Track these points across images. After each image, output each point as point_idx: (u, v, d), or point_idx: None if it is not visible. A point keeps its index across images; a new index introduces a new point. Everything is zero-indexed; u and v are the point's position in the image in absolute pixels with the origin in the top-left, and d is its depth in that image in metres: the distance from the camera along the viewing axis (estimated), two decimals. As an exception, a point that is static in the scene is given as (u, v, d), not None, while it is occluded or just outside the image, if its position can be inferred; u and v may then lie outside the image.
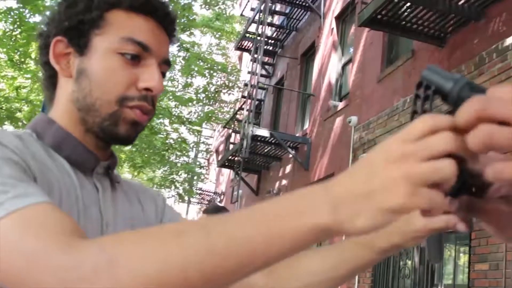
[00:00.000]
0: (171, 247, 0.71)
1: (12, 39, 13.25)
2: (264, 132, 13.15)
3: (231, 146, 16.54)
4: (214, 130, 28.58)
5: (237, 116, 17.73)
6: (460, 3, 6.96)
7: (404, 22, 7.57)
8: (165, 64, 1.14)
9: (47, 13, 1.16)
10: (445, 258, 7.07)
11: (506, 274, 5.35)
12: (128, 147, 19.29)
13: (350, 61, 11.66)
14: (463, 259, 6.73)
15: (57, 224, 0.80)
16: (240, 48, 18.20)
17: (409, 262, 7.53)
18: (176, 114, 17.89)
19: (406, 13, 7.35)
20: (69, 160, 1.06)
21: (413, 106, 0.67)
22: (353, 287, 8.79)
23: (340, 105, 11.44)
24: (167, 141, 18.37)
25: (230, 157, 15.51)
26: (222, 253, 0.69)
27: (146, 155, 18.08)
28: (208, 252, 0.69)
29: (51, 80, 1.13)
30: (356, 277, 8.72)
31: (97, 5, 1.08)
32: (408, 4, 7.10)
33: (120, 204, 1.15)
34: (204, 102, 18.84)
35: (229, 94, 20.47)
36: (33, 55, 13.53)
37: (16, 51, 13.73)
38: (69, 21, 1.08)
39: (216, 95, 18.91)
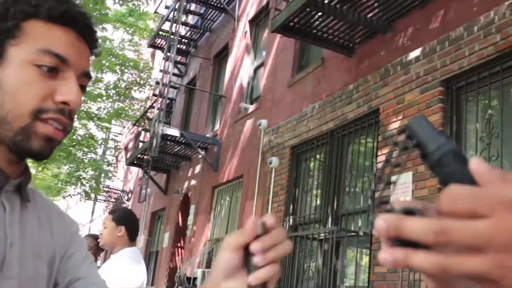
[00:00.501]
0: None
1: None
2: (174, 132, 13.10)
3: (140, 144, 16.35)
4: (124, 127, 28.13)
5: (148, 114, 17.56)
6: (368, 15, 7.22)
7: (315, 31, 7.77)
8: (85, 77, 1.10)
9: None
10: (347, 260, 7.32)
11: (403, 276, 5.61)
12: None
13: (262, 64, 11.82)
14: (364, 261, 6.98)
15: None
16: (153, 45, 18.02)
17: (313, 264, 7.72)
18: (85, 109, 17.50)
19: (317, 22, 7.55)
20: None
21: (388, 154, 0.61)
22: (258, 288, 8.90)
23: (251, 108, 11.57)
24: (74, 137, 17.94)
25: (139, 155, 15.35)
26: None
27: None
28: None
29: None
30: (262, 278, 8.86)
31: (13, 14, 1.04)
32: (320, 13, 7.29)
33: (29, 225, 1.11)
34: (114, 98, 18.52)
35: (140, 91, 20.23)
36: None
37: None
38: None
39: (127, 92, 18.64)
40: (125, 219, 4.19)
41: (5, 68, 1.03)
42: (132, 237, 4.28)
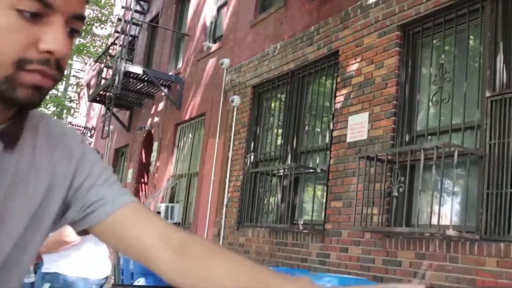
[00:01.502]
0: None
1: None
2: (137, 69, 13.15)
3: (103, 81, 16.32)
4: (86, 63, 27.80)
5: (110, 51, 17.43)
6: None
7: (278, -28, 7.86)
8: (77, 19, 0.98)
9: None
10: (305, 195, 7.67)
11: (356, 211, 5.97)
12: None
13: (225, 4, 11.84)
14: (321, 196, 7.34)
15: None
16: (114, -20, 17.72)
17: (273, 199, 8.07)
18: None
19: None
20: None
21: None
22: (221, 221, 9.26)
23: (214, 47, 11.67)
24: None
25: (101, 92, 15.35)
26: None
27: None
28: None
29: None
30: (223, 212, 9.21)
31: None
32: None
33: (12, 171, 1.05)
34: (75, 34, 18.32)
35: (102, 28, 19.97)
36: None
37: None
38: None
39: (88, 28, 18.40)
40: None
41: None
42: None
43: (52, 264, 4.20)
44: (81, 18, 0.99)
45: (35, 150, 1.11)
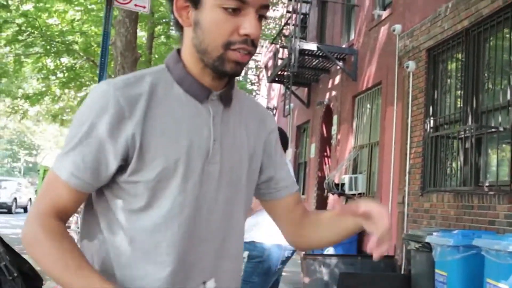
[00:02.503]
0: (49, 259, 1.35)
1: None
2: (311, 46, 13.39)
3: (279, 62, 16.81)
4: (262, 46, 28.75)
5: (284, 31, 17.88)
6: None
7: None
8: (264, 8, 1.40)
9: None
10: (489, 156, 7.42)
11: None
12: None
13: (392, -31, 11.64)
14: (506, 156, 7.04)
15: (46, 199, 1.40)
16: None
17: (455, 163, 7.90)
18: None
19: None
20: (188, 92, 1.45)
21: None
22: (404, 188, 9.25)
23: (384, 14, 11.55)
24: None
25: (279, 72, 15.83)
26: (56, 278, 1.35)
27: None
28: (54, 275, 1.35)
29: (178, 25, 1.47)
30: (407, 179, 9.18)
31: None
32: None
33: (231, 124, 1.52)
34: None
35: (274, 10, 20.54)
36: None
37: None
38: None
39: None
40: None
41: (202, 12, 1.38)
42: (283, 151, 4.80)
43: (247, 234, 4.57)
44: (266, 6, 1.41)
45: (242, 111, 1.60)
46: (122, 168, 1.40)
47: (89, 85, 18.33)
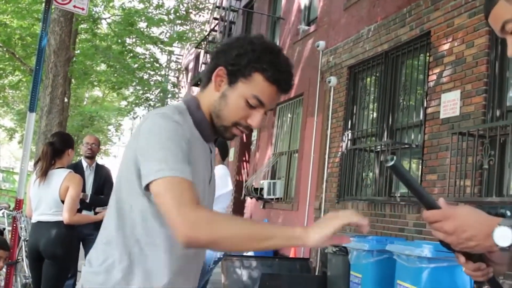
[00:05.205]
0: (235, 229, 1.58)
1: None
2: (236, 54, 13.76)
3: (203, 66, 17.10)
4: (184, 48, 28.84)
5: (208, 37, 18.21)
6: None
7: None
8: (272, 106, 1.87)
9: (223, 43, 1.93)
10: (401, 170, 8.06)
11: (450, 183, 6.38)
12: (103, 67, 19.70)
13: (318, -13, 12.22)
14: (416, 170, 7.74)
15: (185, 194, 1.59)
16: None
17: (370, 174, 8.55)
18: (148, 34, 18.36)
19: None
20: (201, 134, 1.87)
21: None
22: (321, 195, 9.84)
23: (309, 29, 12.12)
24: (138, 58, 18.86)
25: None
26: (250, 238, 1.57)
27: (120, 76, 18.59)
28: (247, 236, 1.58)
29: (208, 81, 1.86)
30: (324, 186, 9.78)
31: (254, 65, 1.76)
32: None
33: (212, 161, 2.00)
34: (175, 22, 19.21)
35: (199, 15, 20.82)
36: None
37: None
38: (235, 64, 1.77)
39: (187, 16, 19.28)
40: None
41: (232, 92, 1.79)
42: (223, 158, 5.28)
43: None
44: (275, 105, 2.02)
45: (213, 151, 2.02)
46: None
47: (7, 77, 18.06)
